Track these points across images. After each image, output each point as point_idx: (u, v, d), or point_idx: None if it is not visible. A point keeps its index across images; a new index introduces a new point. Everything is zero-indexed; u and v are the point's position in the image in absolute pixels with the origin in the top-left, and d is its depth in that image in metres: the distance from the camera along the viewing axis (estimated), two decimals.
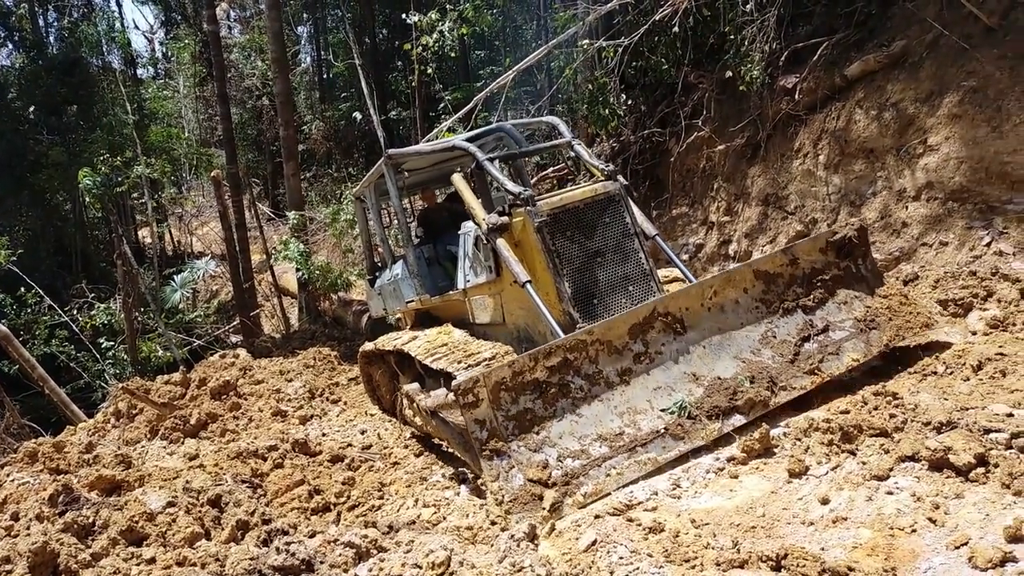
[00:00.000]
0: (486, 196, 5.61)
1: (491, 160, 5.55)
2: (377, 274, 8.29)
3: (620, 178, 5.44)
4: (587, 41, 7.96)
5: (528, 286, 4.90)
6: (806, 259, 5.08)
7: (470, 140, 6.13)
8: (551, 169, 11.07)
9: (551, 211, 5.12)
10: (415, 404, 5.50)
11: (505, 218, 5.20)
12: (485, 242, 5.34)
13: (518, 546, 3.38)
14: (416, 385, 5.77)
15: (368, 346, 7.44)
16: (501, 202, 5.42)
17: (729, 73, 7.21)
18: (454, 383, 4.16)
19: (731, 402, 4.45)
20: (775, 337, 4.85)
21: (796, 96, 7.07)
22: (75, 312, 14.42)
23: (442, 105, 15.39)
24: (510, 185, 5.22)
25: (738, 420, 4.40)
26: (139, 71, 28.53)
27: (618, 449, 4.24)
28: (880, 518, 3.31)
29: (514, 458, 4.07)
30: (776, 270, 5.01)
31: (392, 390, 7.28)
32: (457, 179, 5.73)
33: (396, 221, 7.06)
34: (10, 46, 22.57)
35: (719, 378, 4.57)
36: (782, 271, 5.02)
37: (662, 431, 4.32)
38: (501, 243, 5.15)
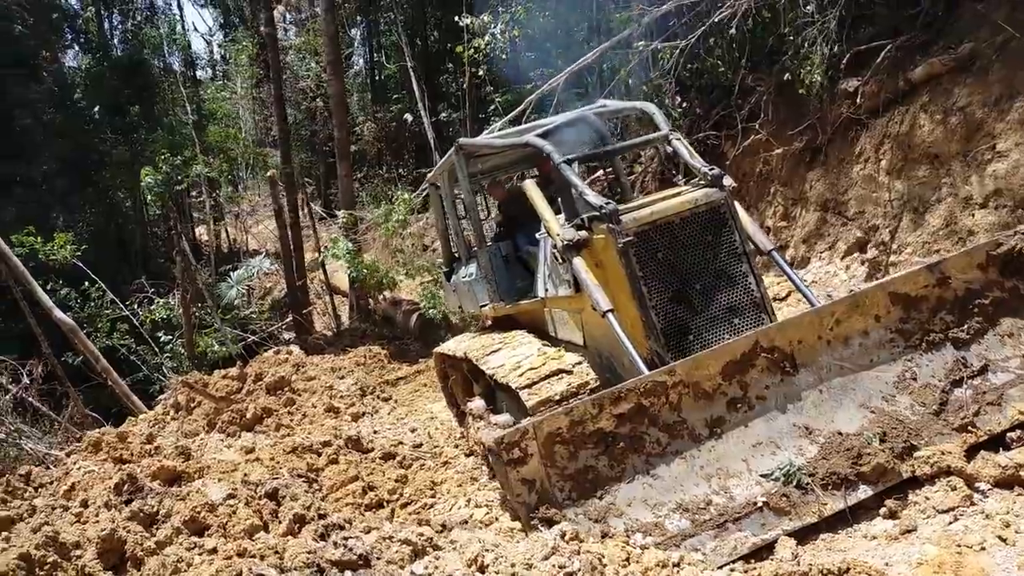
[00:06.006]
0: (567, 198, 4.84)
1: (570, 162, 4.80)
2: (455, 266, 7.63)
3: (728, 180, 4.57)
4: (643, 43, 7.91)
5: (610, 316, 4.19)
6: (959, 277, 4.08)
7: (547, 134, 5.30)
8: (600, 172, 10.84)
9: (639, 228, 4.32)
10: (475, 427, 4.99)
11: (583, 233, 4.50)
12: (561, 260, 4.71)
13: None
14: (481, 403, 5.21)
15: (441, 348, 7.12)
16: (586, 205, 4.65)
17: (788, 76, 7.10)
18: (496, 436, 3.54)
19: (855, 467, 3.51)
20: (915, 380, 3.89)
21: (858, 100, 6.93)
22: (135, 307, 14.83)
23: (492, 107, 15.46)
24: (591, 196, 4.48)
25: (863, 492, 3.50)
26: (198, 73, 29.33)
27: (703, 524, 3.44)
28: (946, 535, 3.24)
29: (566, 527, 3.35)
30: (919, 292, 4.04)
31: (467, 396, 6.65)
32: (529, 186, 5.15)
33: (469, 215, 6.43)
34: (76, 48, 23.41)
35: (840, 433, 3.67)
36: (927, 293, 4.05)
37: (761, 504, 3.48)
38: (579, 263, 4.44)
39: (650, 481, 3.59)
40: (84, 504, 4.53)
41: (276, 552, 3.84)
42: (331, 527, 4.13)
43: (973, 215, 5.99)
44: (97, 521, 4.14)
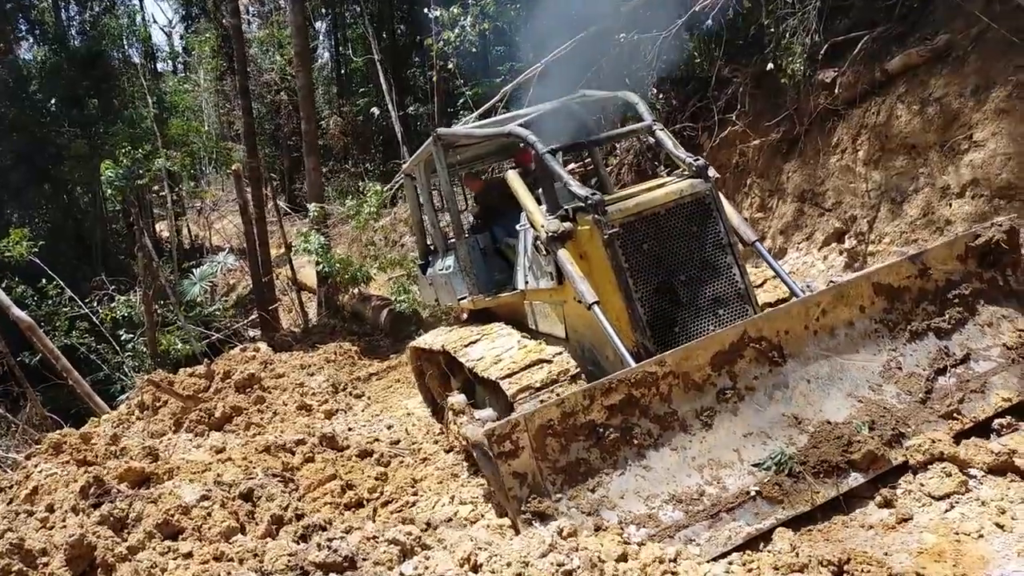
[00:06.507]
0: (549, 189, 4.79)
1: (554, 152, 4.72)
2: (430, 259, 7.49)
3: (712, 172, 4.56)
4: (623, 35, 7.83)
5: (595, 308, 4.15)
6: (939, 268, 4.16)
7: (529, 124, 5.20)
8: (572, 164, 10.75)
9: (624, 219, 4.31)
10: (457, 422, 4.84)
11: (568, 225, 4.44)
12: (545, 252, 4.66)
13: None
14: (462, 398, 4.97)
15: (417, 342, 6.99)
16: (566, 195, 4.64)
17: (770, 66, 7.05)
18: (486, 428, 3.47)
19: (845, 455, 3.52)
20: (900, 369, 3.94)
21: (835, 90, 6.92)
22: (95, 304, 14.41)
23: (461, 101, 15.28)
24: (575, 186, 4.43)
25: (855, 479, 3.51)
26: (158, 65, 28.65)
27: (696, 515, 3.41)
28: (944, 522, 3.21)
29: (563, 523, 3.27)
30: (901, 283, 4.11)
31: (445, 391, 6.58)
32: (512, 176, 5.02)
33: (447, 206, 6.32)
34: (31, 39, 22.69)
35: (829, 422, 3.69)
36: (909, 284, 4.12)
37: (753, 493, 3.47)
38: (563, 255, 4.39)
39: (642, 473, 3.54)
40: (50, 509, 4.31)
41: (255, 555, 3.69)
42: (312, 528, 4.00)
43: (951, 205, 6.01)
44: (64, 526, 3.94)
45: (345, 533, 3.96)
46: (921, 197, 6.24)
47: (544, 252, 4.67)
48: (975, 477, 3.44)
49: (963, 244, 4.24)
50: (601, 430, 3.55)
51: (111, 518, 3.99)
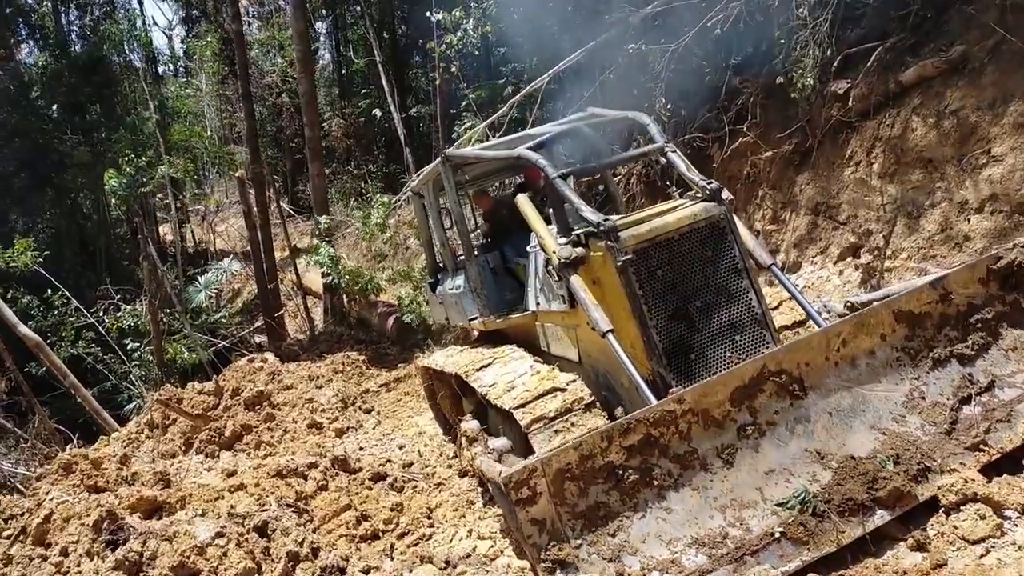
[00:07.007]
0: (560, 212, 4.72)
1: (565, 176, 4.62)
2: (439, 276, 7.46)
3: (726, 194, 4.51)
4: (632, 45, 7.75)
5: (610, 336, 4.09)
6: (961, 293, 4.05)
7: (539, 146, 5.21)
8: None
9: (638, 245, 4.25)
10: (471, 450, 4.81)
11: (580, 250, 4.40)
12: (557, 278, 4.63)
13: None
14: (476, 424, 5.00)
15: (428, 362, 6.90)
16: (576, 217, 4.58)
17: (780, 80, 6.97)
18: (503, 475, 3.36)
19: (870, 492, 3.41)
20: (924, 399, 3.82)
21: (848, 102, 6.82)
22: (101, 314, 14.38)
23: (465, 103, 15.20)
24: (587, 212, 4.36)
25: (881, 517, 3.40)
26: (159, 69, 28.56)
27: (720, 559, 3.30)
28: (980, 569, 3.13)
29: (584, 571, 3.21)
30: (922, 309, 4.00)
31: (457, 412, 6.53)
32: (522, 201, 4.98)
33: (457, 227, 6.27)
34: (32, 44, 22.62)
35: (852, 457, 3.56)
36: (930, 310, 4.01)
37: (778, 534, 3.35)
38: (576, 281, 4.35)
39: (664, 515, 3.44)
40: (64, 552, 4.26)
41: None
42: (329, 569, 3.93)
43: (969, 220, 5.92)
44: (79, 572, 3.88)
45: (363, 573, 3.92)
46: (938, 212, 6.15)
47: (556, 278, 4.61)
48: (1010, 519, 3.36)
49: (984, 267, 4.11)
50: (620, 472, 3.46)
51: (126, 562, 3.93)
